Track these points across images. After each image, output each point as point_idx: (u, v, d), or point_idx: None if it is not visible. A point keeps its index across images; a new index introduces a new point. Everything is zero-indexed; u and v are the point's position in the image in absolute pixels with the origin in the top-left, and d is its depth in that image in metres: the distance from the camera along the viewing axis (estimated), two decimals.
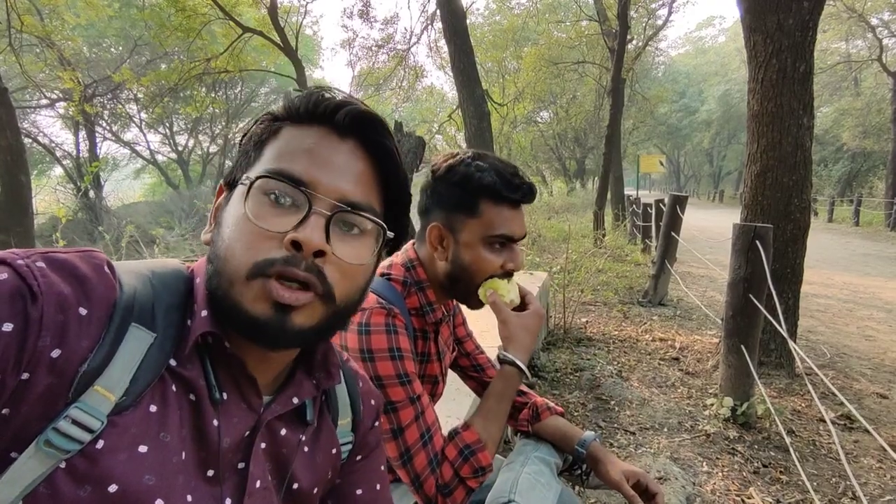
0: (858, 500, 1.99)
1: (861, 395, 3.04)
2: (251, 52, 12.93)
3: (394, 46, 13.10)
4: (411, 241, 1.03)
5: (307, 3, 12.18)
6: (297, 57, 11.09)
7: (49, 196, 15.63)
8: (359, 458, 0.67)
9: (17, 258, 0.41)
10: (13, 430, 0.39)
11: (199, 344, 0.49)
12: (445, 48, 8.06)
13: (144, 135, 19.75)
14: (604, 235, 8.68)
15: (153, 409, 0.45)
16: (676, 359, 3.51)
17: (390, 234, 0.56)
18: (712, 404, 2.70)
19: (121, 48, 16.00)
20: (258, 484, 0.52)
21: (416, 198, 0.79)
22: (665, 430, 2.52)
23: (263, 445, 0.54)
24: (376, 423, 0.70)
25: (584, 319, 4.35)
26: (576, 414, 2.63)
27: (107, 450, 0.41)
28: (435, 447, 0.88)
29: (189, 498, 0.46)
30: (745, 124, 3.39)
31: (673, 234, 4.95)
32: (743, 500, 1.98)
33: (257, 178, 0.49)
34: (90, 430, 0.41)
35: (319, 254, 0.48)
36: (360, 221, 0.52)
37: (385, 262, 1.01)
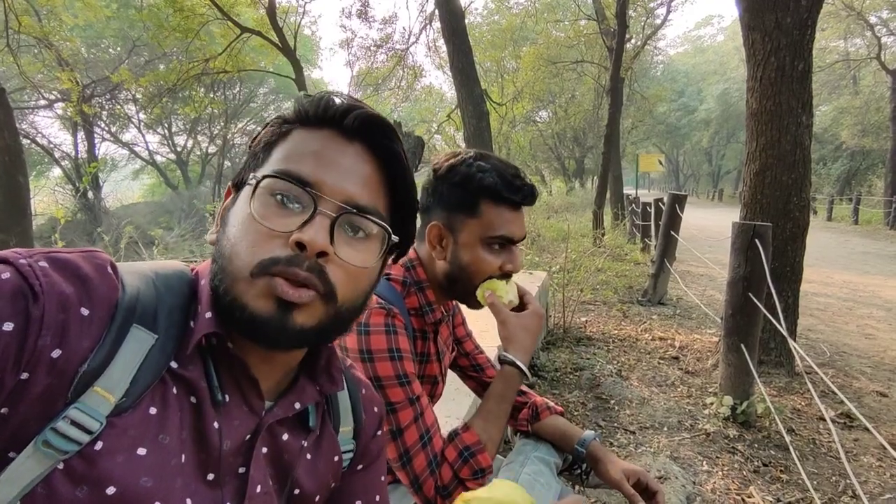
0: (858, 499, 1.99)
1: (861, 393, 3.05)
2: (250, 52, 12.92)
3: (392, 46, 13.10)
4: None
5: (305, 3, 12.22)
6: (295, 57, 11.08)
7: (48, 197, 15.63)
8: (359, 467, 0.66)
9: (20, 257, 0.41)
10: (11, 430, 0.39)
11: (201, 345, 0.49)
12: (444, 48, 8.05)
13: (143, 135, 19.75)
14: (603, 235, 8.68)
15: (153, 410, 0.45)
16: (676, 358, 3.51)
17: (395, 239, 0.56)
18: (712, 403, 2.70)
19: (119, 49, 15.99)
20: (259, 489, 0.52)
21: None
22: (665, 429, 2.52)
23: (265, 450, 0.54)
24: (379, 432, 0.69)
25: (583, 319, 4.35)
26: (575, 413, 2.63)
27: (105, 451, 0.41)
28: (434, 448, 0.88)
29: (189, 501, 0.46)
30: (744, 123, 3.39)
31: (672, 233, 4.95)
32: (743, 499, 1.98)
33: (264, 177, 0.49)
34: (89, 432, 0.40)
35: (322, 255, 0.48)
36: (365, 224, 0.52)
37: None
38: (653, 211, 7.11)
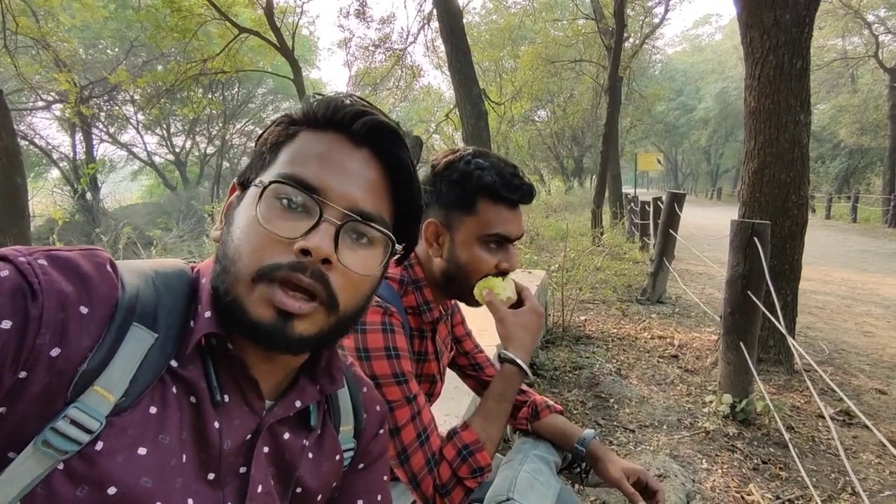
0: (857, 496, 1.99)
1: (860, 390, 3.05)
2: (248, 52, 12.90)
3: (390, 46, 13.09)
4: None
5: (303, 3, 12.16)
6: (293, 57, 11.06)
7: (46, 198, 15.56)
8: (361, 466, 0.66)
9: (20, 255, 0.41)
10: (10, 430, 0.39)
11: (201, 345, 0.49)
12: (442, 47, 8.04)
13: (141, 136, 19.75)
14: (602, 234, 8.69)
15: (153, 410, 0.45)
16: (675, 356, 3.52)
17: (399, 248, 0.56)
18: (711, 401, 2.71)
19: (117, 49, 15.97)
20: (260, 489, 0.52)
21: None
22: (664, 427, 2.52)
23: (266, 450, 0.53)
24: (381, 431, 0.69)
25: (582, 318, 4.35)
26: (575, 412, 2.63)
27: (105, 451, 0.41)
28: (432, 447, 0.88)
29: (190, 501, 0.45)
30: (743, 121, 3.39)
31: (671, 231, 4.95)
32: (742, 497, 1.99)
33: (270, 182, 0.49)
34: (89, 431, 0.40)
35: (326, 262, 0.48)
36: (369, 231, 0.52)
37: None
38: (651, 210, 7.11)
